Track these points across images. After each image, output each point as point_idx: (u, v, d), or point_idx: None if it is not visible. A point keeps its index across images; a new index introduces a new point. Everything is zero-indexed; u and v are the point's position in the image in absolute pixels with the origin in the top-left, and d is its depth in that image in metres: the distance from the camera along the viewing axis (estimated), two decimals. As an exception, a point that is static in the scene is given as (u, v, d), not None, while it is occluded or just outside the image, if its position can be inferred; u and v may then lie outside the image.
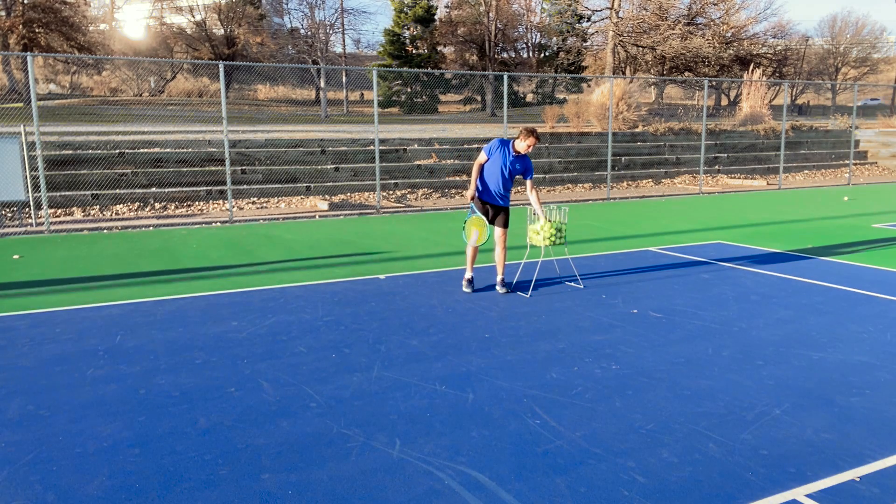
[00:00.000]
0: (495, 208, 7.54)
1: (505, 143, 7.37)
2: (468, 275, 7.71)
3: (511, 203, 7.70)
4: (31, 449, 4.05)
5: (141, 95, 40.77)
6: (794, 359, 5.55)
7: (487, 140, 19.37)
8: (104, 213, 13.91)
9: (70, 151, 14.61)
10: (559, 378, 5.14)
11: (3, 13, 34.36)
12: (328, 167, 16.70)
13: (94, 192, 14.07)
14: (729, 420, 4.42)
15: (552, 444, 4.09)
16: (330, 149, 17.30)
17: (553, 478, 3.72)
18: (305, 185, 16.01)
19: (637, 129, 21.96)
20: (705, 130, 19.67)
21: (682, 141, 22.34)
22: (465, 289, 7.62)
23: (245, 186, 15.44)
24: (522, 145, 7.25)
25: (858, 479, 3.69)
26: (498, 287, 7.69)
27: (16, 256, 9.94)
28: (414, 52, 44.16)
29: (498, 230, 7.58)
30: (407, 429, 4.30)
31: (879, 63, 62.07)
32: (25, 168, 12.16)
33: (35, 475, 3.75)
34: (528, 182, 7.51)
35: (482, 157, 7.42)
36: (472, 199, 7.48)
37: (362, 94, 51.63)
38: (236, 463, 3.89)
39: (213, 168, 15.53)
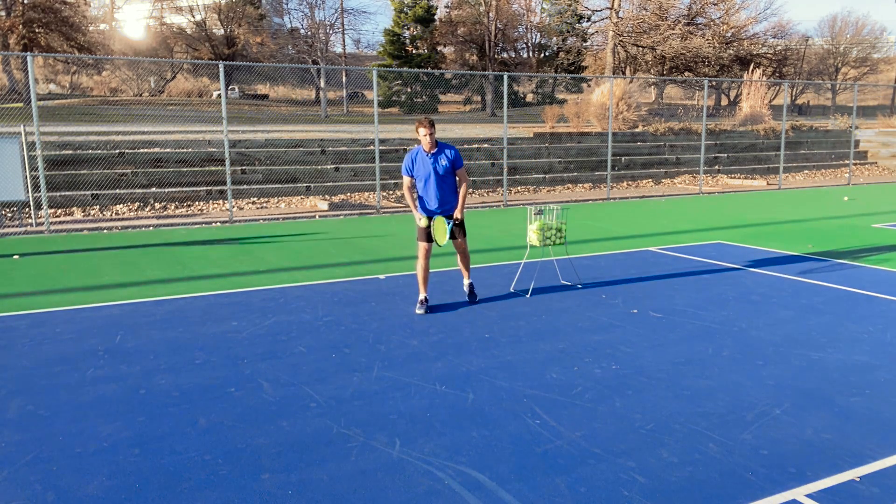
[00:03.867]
0: (442, 219, 6.91)
1: (414, 151, 6.91)
2: (422, 296, 7.03)
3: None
4: (31, 449, 4.05)
5: (141, 95, 40.77)
6: (794, 359, 5.55)
7: (488, 140, 19.37)
8: (104, 213, 13.92)
9: (70, 151, 14.61)
10: (559, 378, 5.14)
11: (3, 13, 34.36)
12: (328, 167, 16.71)
13: (94, 192, 14.07)
14: (729, 420, 4.42)
15: (552, 444, 4.09)
16: (330, 149, 17.30)
17: (553, 478, 3.72)
18: (305, 185, 16.01)
19: (637, 129, 21.96)
20: (705, 130, 19.67)
21: (682, 141, 22.34)
22: (419, 310, 6.89)
23: (245, 186, 15.45)
24: (423, 140, 6.74)
25: (858, 479, 3.69)
26: (465, 288, 7.36)
27: (16, 256, 9.94)
28: (414, 52, 44.16)
29: (455, 242, 7.09)
30: (407, 429, 4.30)
31: (879, 63, 62.05)
32: (25, 168, 12.16)
33: (35, 475, 3.75)
34: (458, 172, 6.95)
35: (406, 179, 6.97)
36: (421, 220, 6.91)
37: (362, 94, 51.62)
38: (236, 463, 3.89)
39: (213, 168, 15.53)
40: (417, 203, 7.04)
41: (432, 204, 6.93)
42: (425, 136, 6.71)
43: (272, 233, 12.11)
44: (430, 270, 8.65)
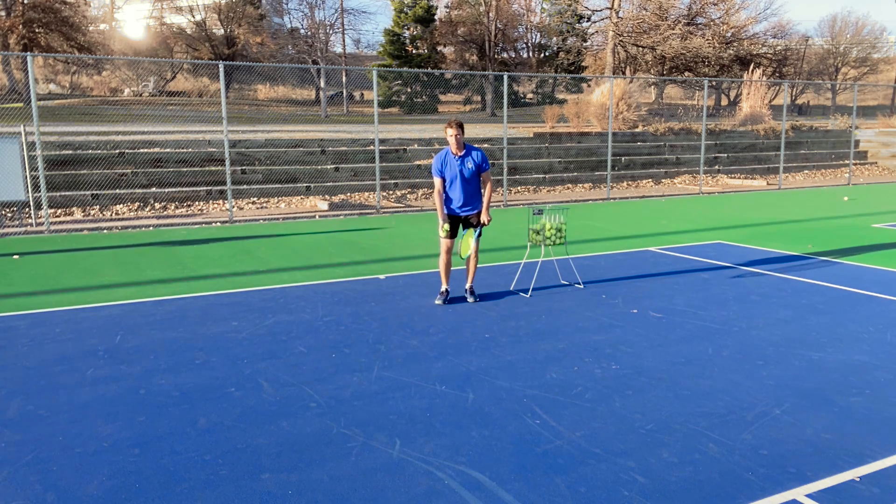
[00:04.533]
0: (465, 219, 7.18)
1: (443, 153, 7.04)
2: (443, 287, 7.30)
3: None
4: (31, 449, 4.05)
5: (141, 95, 40.74)
6: (794, 359, 5.55)
7: (488, 140, 19.37)
8: (104, 213, 13.92)
9: (70, 151, 14.61)
10: (559, 378, 5.14)
11: (3, 13, 34.35)
12: (328, 167, 16.71)
13: (94, 192, 14.07)
14: (729, 420, 4.42)
15: (552, 444, 4.09)
16: (330, 149, 17.30)
17: (553, 478, 3.72)
18: (305, 185, 16.01)
19: (637, 129, 21.96)
20: (705, 130, 19.66)
21: (682, 141, 22.34)
22: (437, 301, 7.22)
23: (245, 186, 15.45)
24: (451, 142, 6.89)
25: (858, 479, 3.69)
26: (467, 296, 7.36)
27: (16, 256, 9.94)
28: (414, 52, 44.13)
29: (472, 243, 7.14)
30: (407, 429, 4.30)
31: (879, 63, 62.03)
32: (25, 168, 12.16)
33: (35, 475, 3.75)
34: (483, 175, 7.11)
35: (437, 181, 7.05)
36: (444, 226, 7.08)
37: (362, 94, 51.61)
38: (236, 463, 3.89)
39: (213, 168, 15.53)
40: (444, 206, 7.12)
41: (456, 204, 7.10)
42: (452, 136, 6.87)
43: (272, 233, 12.11)
44: (433, 270, 8.71)
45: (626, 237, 11.53)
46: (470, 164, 6.99)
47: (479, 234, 7.18)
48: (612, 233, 12.00)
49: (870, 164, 24.60)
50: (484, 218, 7.13)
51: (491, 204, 7.24)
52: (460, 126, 6.88)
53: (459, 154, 6.98)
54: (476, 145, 18.76)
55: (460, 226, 7.27)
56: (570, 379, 5.12)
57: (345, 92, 40.98)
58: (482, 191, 7.18)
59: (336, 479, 3.71)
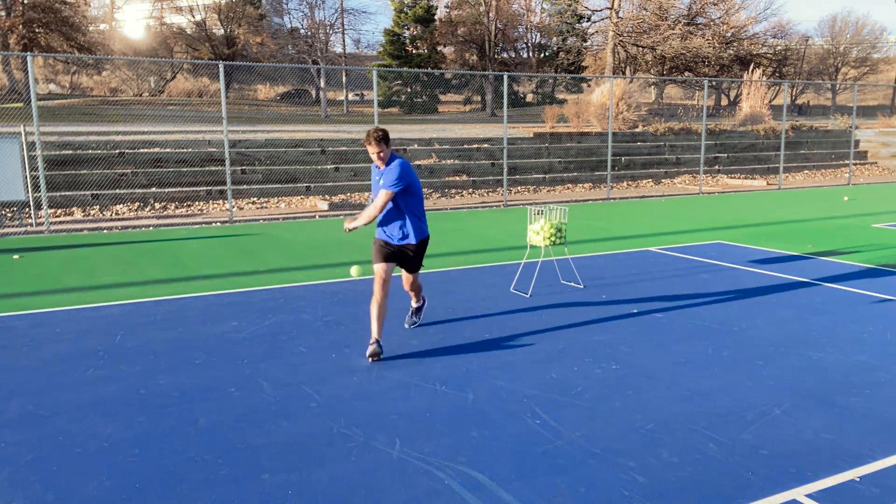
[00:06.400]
0: (398, 250, 5.75)
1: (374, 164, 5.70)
2: (374, 336, 5.54)
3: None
4: (31, 449, 4.05)
5: (141, 95, 40.74)
6: (794, 359, 5.55)
7: (488, 140, 19.37)
8: (104, 213, 13.92)
9: (70, 151, 14.61)
10: (559, 378, 5.14)
11: (3, 13, 34.34)
12: (328, 167, 16.71)
13: (94, 192, 14.07)
14: (729, 420, 4.42)
15: (552, 444, 4.09)
16: (330, 149, 17.30)
17: (553, 478, 3.72)
18: (305, 185, 16.01)
19: (637, 129, 21.96)
20: (705, 130, 19.66)
21: (682, 141, 22.34)
22: (369, 354, 5.49)
23: (245, 186, 15.45)
24: (373, 156, 5.51)
25: (858, 479, 3.69)
26: (409, 317, 6.44)
27: (16, 256, 9.94)
28: (414, 52, 44.13)
29: (405, 274, 6.06)
30: (407, 429, 4.30)
31: (879, 63, 62.03)
32: (25, 168, 12.16)
33: (35, 475, 3.75)
34: (382, 190, 5.52)
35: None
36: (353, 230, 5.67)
37: (362, 95, 51.62)
38: (236, 463, 3.89)
39: (213, 168, 15.53)
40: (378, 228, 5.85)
41: (384, 228, 5.75)
42: (373, 152, 5.48)
43: (272, 233, 12.10)
44: (432, 270, 8.66)
45: (626, 237, 11.53)
46: (381, 182, 5.55)
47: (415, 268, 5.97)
48: (612, 233, 12.00)
49: (870, 164, 24.59)
50: (346, 225, 5.66)
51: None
52: (380, 140, 5.43)
53: (381, 168, 5.60)
54: (476, 145, 18.76)
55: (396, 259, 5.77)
56: (570, 379, 5.12)
57: (345, 91, 40.92)
58: (408, 216, 5.68)
59: (336, 479, 3.71)
